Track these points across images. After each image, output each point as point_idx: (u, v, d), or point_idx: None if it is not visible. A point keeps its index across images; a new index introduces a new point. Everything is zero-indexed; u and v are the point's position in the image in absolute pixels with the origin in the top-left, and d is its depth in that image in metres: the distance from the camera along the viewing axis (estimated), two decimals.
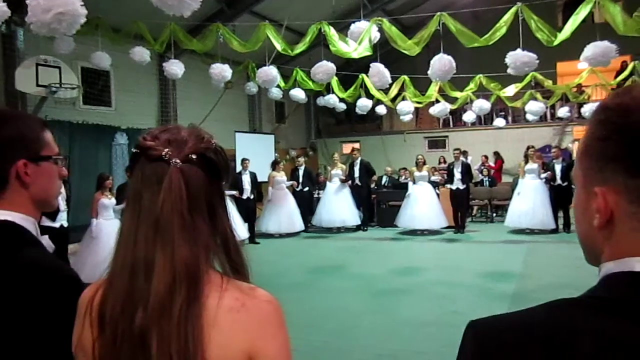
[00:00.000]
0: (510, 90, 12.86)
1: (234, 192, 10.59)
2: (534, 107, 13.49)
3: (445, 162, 14.51)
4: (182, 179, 0.90)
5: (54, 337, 1.01)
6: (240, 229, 10.21)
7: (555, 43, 7.56)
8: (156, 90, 12.69)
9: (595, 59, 7.34)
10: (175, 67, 8.98)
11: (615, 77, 13.78)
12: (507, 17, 7.50)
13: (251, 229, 10.88)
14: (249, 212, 10.92)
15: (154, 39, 9.00)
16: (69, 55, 8.57)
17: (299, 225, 11.83)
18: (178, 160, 0.90)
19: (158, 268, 0.87)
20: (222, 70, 9.19)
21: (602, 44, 7.26)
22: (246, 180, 10.99)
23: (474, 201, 13.64)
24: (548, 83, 12.72)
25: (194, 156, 0.92)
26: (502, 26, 7.60)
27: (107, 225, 7.15)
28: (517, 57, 7.49)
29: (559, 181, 10.83)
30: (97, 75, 10.81)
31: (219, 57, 9.67)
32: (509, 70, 7.80)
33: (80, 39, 8.26)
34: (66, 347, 0.95)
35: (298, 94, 12.47)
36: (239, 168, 11.36)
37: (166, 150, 0.91)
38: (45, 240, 1.21)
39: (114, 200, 7.43)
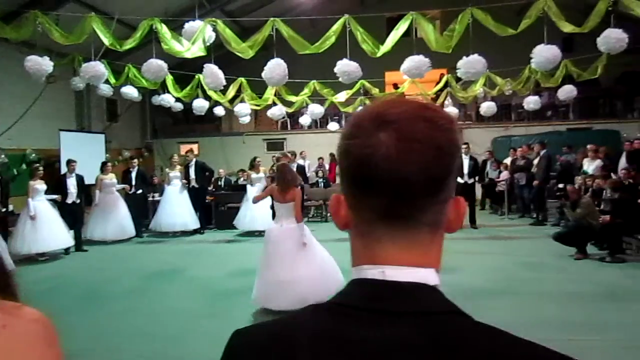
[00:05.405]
0: (342, 96, 13.62)
1: (55, 196, 9.73)
2: None
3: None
4: None
5: None
6: (64, 236, 9.47)
7: (379, 54, 8.19)
8: None
9: (411, 71, 8.08)
10: None
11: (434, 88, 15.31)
12: (336, 27, 7.94)
13: (78, 236, 10.08)
14: (75, 217, 10.08)
15: None
16: None
17: (129, 231, 11.22)
18: None
19: None
20: (40, 63, 8.27)
21: (417, 57, 8.02)
22: (71, 183, 10.11)
23: (310, 202, 14.16)
24: (375, 91, 13.68)
25: None
26: (331, 35, 8.03)
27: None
28: (343, 67, 7.95)
29: None
30: None
31: (40, 47, 8.78)
32: (339, 79, 8.25)
33: None
34: None
35: (130, 91, 11.85)
36: (64, 170, 10.45)
37: None
38: None
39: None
